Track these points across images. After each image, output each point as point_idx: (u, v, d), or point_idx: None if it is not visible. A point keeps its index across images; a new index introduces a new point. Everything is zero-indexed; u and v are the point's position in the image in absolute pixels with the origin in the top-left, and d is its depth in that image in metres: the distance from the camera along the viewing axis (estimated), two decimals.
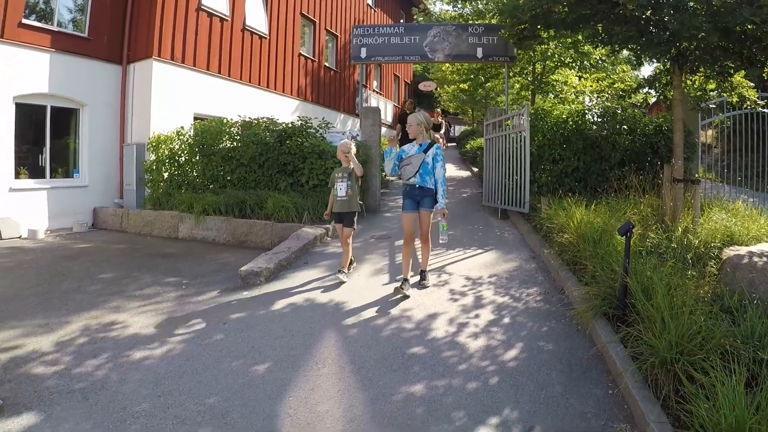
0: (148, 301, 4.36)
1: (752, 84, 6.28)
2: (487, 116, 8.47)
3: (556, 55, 10.90)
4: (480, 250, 5.71)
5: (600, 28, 5.52)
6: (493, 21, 9.79)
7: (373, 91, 18.37)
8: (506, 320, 3.72)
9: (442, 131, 13.02)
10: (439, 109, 17.11)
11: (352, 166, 4.79)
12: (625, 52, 7.26)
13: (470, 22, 10.87)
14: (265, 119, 8.16)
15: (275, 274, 4.92)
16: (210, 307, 4.17)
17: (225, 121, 8.19)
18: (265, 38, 11.93)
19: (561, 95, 11.55)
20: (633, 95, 7.59)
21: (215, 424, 2.53)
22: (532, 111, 7.39)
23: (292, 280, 4.80)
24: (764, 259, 3.46)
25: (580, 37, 6.51)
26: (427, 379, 2.91)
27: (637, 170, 6.68)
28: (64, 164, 8.66)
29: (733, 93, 6.21)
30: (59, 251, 6.47)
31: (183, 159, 8.23)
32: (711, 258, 4.09)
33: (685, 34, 4.65)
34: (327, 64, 15.20)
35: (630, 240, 3.28)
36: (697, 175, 6.62)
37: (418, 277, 4.62)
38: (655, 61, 6.00)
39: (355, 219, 4.84)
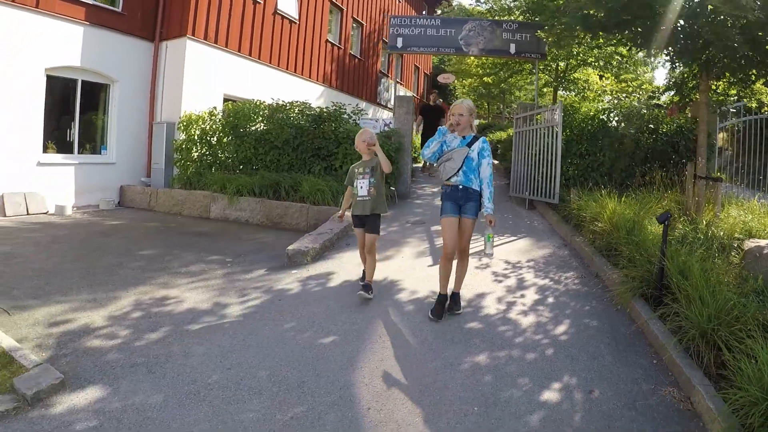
0: (196, 277, 4.38)
1: None
2: (517, 111, 8.66)
3: (580, 54, 11.07)
4: (513, 237, 5.95)
5: (638, 33, 5.75)
6: (520, 18, 9.95)
7: (394, 80, 18.52)
8: (550, 300, 4.00)
9: None
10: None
11: (376, 161, 3.95)
12: (641, 55, 7.50)
13: (498, 18, 11.02)
14: (299, 103, 8.21)
15: (320, 254, 5.05)
16: (261, 284, 4.23)
17: (258, 103, 8.20)
18: (295, 23, 11.93)
19: (585, 93, 11.79)
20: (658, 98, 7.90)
21: (293, 394, 2.55)
22: None
23: (338, 260, 4.93)
24: None
25: (614, 40, 6.74)
26: (488, 351, 3.12)
27: (660, 168, 6.97)
28: (92, 140, 8.59)
29: (753, 99, 6.55)
30: (92, 227, 6.47)
31: (214, 139, 8.21)
32: (733, 249, 4.41)
33: (717, 44, 4.94)
34: (352, 52, 15.24)
35: (668, 228, 3.58)
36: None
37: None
38: (682, 65, 6.28)
39: (380, 223, 4.04)
